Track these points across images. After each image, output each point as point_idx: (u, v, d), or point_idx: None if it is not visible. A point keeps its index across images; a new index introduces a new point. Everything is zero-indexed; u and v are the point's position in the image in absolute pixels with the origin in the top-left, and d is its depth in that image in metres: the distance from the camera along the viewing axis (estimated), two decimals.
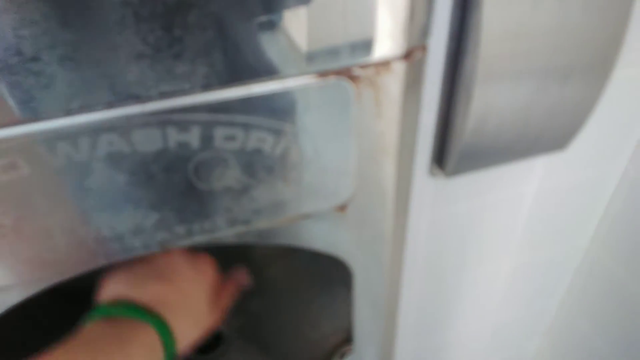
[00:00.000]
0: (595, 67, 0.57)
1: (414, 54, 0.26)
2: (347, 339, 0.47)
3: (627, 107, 0.67)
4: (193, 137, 0.25)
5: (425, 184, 0.68)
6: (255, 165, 0.27)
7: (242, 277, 0.41)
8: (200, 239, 0.29)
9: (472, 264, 0.81)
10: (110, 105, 0.23)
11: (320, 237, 0.33)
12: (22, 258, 0.26)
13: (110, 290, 0.33)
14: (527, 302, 0.95)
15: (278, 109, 0.25)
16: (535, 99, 0.57)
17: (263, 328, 0.55)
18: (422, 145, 0.63)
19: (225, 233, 0.30)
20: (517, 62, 0.53)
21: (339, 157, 0.28)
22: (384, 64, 0.25)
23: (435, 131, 0.64)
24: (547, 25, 0.52)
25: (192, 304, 0.35)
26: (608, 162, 0.75)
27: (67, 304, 0.37)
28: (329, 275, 0.51)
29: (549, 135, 0.66)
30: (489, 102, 0.56)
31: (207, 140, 0.25)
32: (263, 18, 0.22)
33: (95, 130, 0.23)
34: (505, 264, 0.84)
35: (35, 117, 0.22)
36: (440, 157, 0.66)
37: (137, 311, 0.30)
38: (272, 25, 0.23)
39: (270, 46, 0.23)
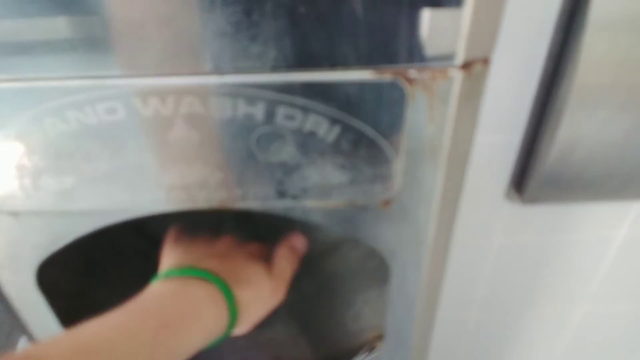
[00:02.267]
0: None
1: (473, 66, 0.27)
2: (379, 336, 0.49)
3: None
4: (258, 111, 0.28)
5: (500, 206, 0.66)
6: (309, 146, 0.30)
7: (300, 242, 0.42)
8: (252, 204, 0.33)
9: (537, 301, 0.76)
10: (194, 72, 0.27)
11: (362, 227, 0.35)
12: (111, 189, 0.32)
13: (173, 258, 0.36)
14: (597, 357, 0.87)
15: (334, 98, 0.28)
16: (633, 135, 0.54)
17: (309, 309, 0.58)
18: (500, 166, 0.62)
19: (275, 204, 0.33)
20: (616, 93, 0.50)
21: (387, 154, 0.30)
22: (441, 70, 0.27)
23: (518, 153, 0.62)
24: None
25: (255, 281, 0.37)
26: None
27: (142, 241, 0.44)
28: (379, 274, 0.52)
29: None
30: (579, 130, 0.54)
31: (269, 115, 0.29)
32: (329, 15, 0.25)
33: (180, 91, 0.28)
34: (577, 310, 0.78)
35: (136, 74, 0.27)
36: (520, 182, 0.64)
37: (206, 273, 0.33)
38: (337, 21, 0.26)
39: (335, 39, 0.26)
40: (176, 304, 0.31)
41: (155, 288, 0.33)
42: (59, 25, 0.25)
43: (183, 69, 0.27)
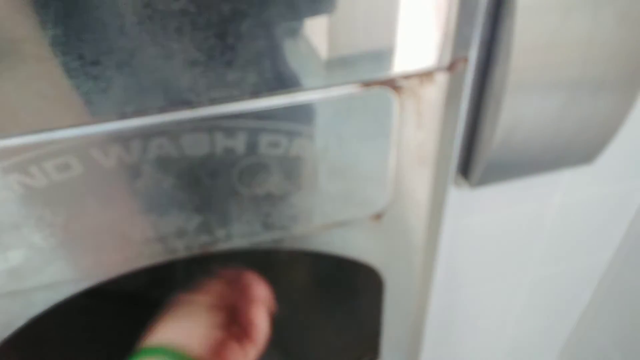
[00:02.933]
0: (627, 80, 0.57)
1: (457, 65, 0.26)
2: (370, 348, 0.47)
3: None
4: (239, 143, 0.25)
5: (449, 194, 0.68)
6: (296, 172, 0.28)
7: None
8: (238, 242, 0.30)
9: (494, 276, 0.80)
10: (162, 110, 0.23)
11: (354, 245, 0.33)
12: (70, 257, 0.27)
13: (162, 334, 0.32)
14: (547, 316, 0.94)
15: (321, 117, 0.26)
16: (565, 111, 0.57)
17: (287, 333, 0.55)
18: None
19: (263, 238, 0.30)
20: (548, 73, 0.53)
21: (378, 167, 0.29)
22: (428, 74, 0.26)
23: (462, 141, 0.63)
24: (578, 36, 0.52)
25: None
26: (633, 177, 0.74)
27: (104, 304, 0.38)
28: (355, 283, 0.51)
29: (577, 149, 0.65)
30: (518, 113, 0.56)
31: (252, 146, 0.26)
32: (310, 29, 0.23)
33: (147, 134, 0.24)
34: (526, 277, 0.83)
35: (91, 120, 0.23)
36: (466, 168, 0.66)
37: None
38: (319, 36, 0.23)
39: (317, 56, 0.24)
40: None
41: None
42: None
43: (148, 106, 0.23)
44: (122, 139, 0.24)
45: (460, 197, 0.69)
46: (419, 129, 0.28)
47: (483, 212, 0.71)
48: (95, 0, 0.19)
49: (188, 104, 0.23)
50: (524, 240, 0.77)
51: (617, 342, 0.90)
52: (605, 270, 0.88)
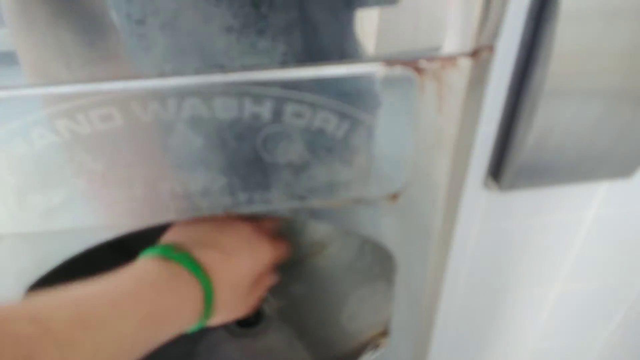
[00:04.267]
0: None
1: (481, 53, 0.27)
2: (383, 333, 0.48)
3: None
4: (265, 110, 0.27)
5: (478, 195, 0.68)
6: (318, 144, 0.29)
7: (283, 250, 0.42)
8: (258, 208, 0.32)
9: (518, 284, 0.79)
10: (198, 71, 0.25)
11: (369, 224, 0.34)
12: (105, 203, 0.29)
13: (175, 237, 0.35)
14: (572, 334, 0.91)
15: (344, 92, 0.27)
16: (603, 120, 0.56)
17: (302, 312, 0.57)
18: (479, 156, 0.63)
19: (282, 206, 0.32)
20: (587, 80, 0.52)
21: (397, 146, 0.30)
22: (450, 59, 0.26)
23: (494, 143, 0.63)
24: (621, 45, 0.51)
25: (238, 286, 0.36)
26: None
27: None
28: (372, 269, 0.52)
29: (615, 160, 0.63)
30: (553, 117, 0.55)
31: (277, 114, 0.27)
32: (337, 7, 0.24)
33: (182, 93, 0.26)
34: (552, 290, 0.82)
35: (134, 75, 0.25)
36: (497, 170, 0.65)
37: (196, 268, 0.32)
38: (348, 14, 0.25)
39: (345, 32, 0.25)
40: (166, 296, 0.30)
41: (151, 270, 0.31)
42: (42, 27, 0.23)
43: (185, 67, 0.25)
44: (159, 96, 0.26)
45: (489, 199, 0.69)
46: (440, 113, 0.29)
47: (512, 218, 0.70)
48: None
49: (221, 68, 0.25)
50: (553, 252, 0.75)
51: None
52: (638, 292, 0.85)
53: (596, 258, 0.77)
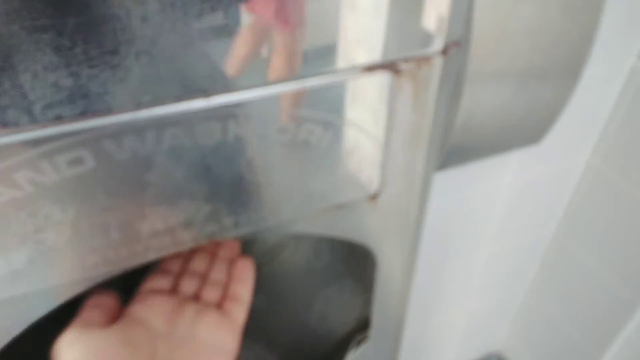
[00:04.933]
0: (570, 66, 0.62)
1: (450, 49, 0.28)
2: (357, 329, 0.49)
3: (592, 103, 0.73)
4: (249, 130, 0.26)
5: None
6: (302, 157, 0.28)
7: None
8: (244, 230, 0.30)
9: (452, 255, 0.85)
10: (178, 98, 0.23)
11: (351, 227, 0.34)
12: (75, 255, 0.26)
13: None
14: (501, 286, 1.01)
15: (327, 101, 0.27)
16: (516, 96, 0.62)
17: (268, 325, 0.55)
18: None
19: (268, 224, 0.31)
20: (503, 61, 0.57)
21: (377, 148, 0.30)
22: (426, 59, 0.27)
23: None
24: (528, 26, 0.56)
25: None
26: (574, 154, 0.81)
27: None
28: (334, 268, 0.52)
29: (526, 130, 0.70)
30: (477, 99, 0.60)
31: (262, 132, 0.26)
32: (316, 18, 0.24)
33: (162, 123, 0.24)
34: (480, 254, 0.89)
35: (107, 111, 0.22)
36: None
37: None
38: (324, 25, 0.24)
39: (323, 42, 0.25)
40: None
41: None
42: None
43: (165, 96, 0.23)
44: (137, 129, 0.23)
45: None
46: (415, 112, 0.30)
47: (443, 195, 0.75)
48: None
49: (204, 93, 0.24)
50: (479, 220, 0.82)
51: (565, 311, 0.98)
52: (551, 242, 0.96)
53: (514, 219, 0.86)
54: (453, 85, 0.65)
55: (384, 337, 0.46)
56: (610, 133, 0.78)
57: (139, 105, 0.23)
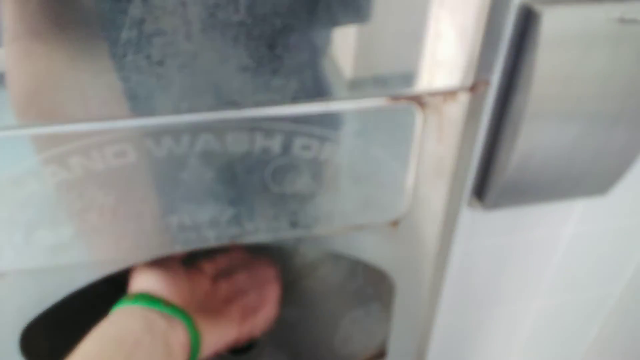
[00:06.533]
0: None
1: (478, 87, 0.29)
2: (377, 356, 0.49)
3: None
4: (275, 144, 0.28)
5: (462, 215, 0.70)
6: (324, 175, 0.30)
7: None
8: (264, 237, 0.32)
9: (502, 300, 0.81)
10: (212, 108, 0.26)
11: (370, 249, 0.35)
12: (112, 237, 0.30)
13: (144, 283, 0.34)
14: (553, 347, 0.94)
15: (351, 126, 0.28)
16: (581, 141, 0.59)
17: (295, 337, 0.57)
18: None
19: (287, 234, 0.32)
20: (566, 104, 0.55)
21: (399, 176, 0.31)
22: (452, 93, 0.28)
23: (478, 164, 0.66)
24: (597, 71, 0.54)
25: (221, 315, 0.37)
26: None
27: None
28: (364, 291, 0.53)
29: (591, 179, 0.67)
30: (535, 140, 0.58)
31: (286, 147, 0.28)
32: (347, 47, 0.26)
33: (196, 129, 0.27)
34: (534, 305, 0.84)
35: (150, 113, 0.26)
36: (480, 190, 0.67)
37: (174, 310, 0.32)
38: (355, 53, 0.26)
39: (352, 70, 0.27)
40: (149, 346, 0.30)
41: (129, 320, 0.31)
42: (63, 68, 0.23)
43: (200, 105, 0.26)
44: (173, 132, 0.26)
45: (473, 218, 0.71)
46: (440, 144, 0.30)
47: (495, 236, 0.72)
48: (167, 7, 0.22)
49: (235, 105, 0.26)
50: (534, 267, 0.78)
51: None
52: (614, 305, 0.88)
53: (574, 273, 0.80)
54: (497, 122, 0.63)
55: None
56: None
57: (177, 111, 0.26)
